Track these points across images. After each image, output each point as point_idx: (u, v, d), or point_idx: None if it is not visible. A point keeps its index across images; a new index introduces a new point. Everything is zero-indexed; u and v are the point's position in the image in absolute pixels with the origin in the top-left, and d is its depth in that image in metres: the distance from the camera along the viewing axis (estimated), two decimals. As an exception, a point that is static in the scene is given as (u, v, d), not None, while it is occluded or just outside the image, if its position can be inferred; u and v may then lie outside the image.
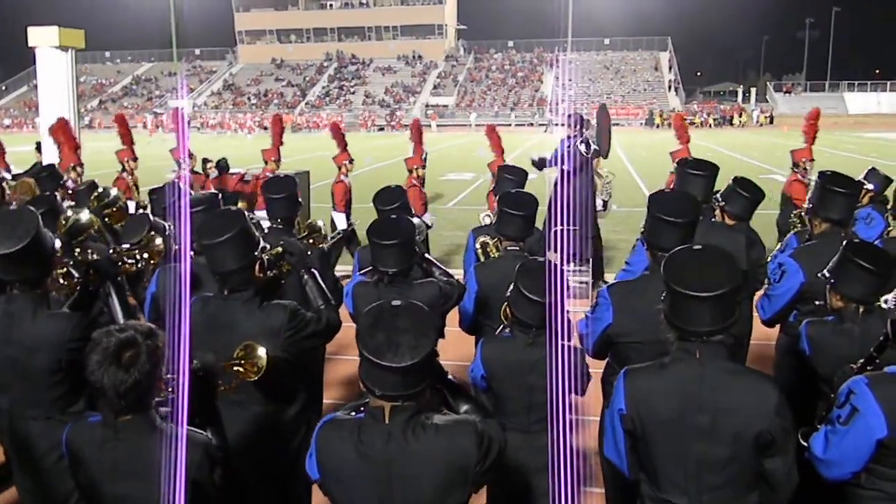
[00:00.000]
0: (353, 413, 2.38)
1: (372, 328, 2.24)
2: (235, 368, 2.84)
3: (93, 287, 3.64)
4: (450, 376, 2.58)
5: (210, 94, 72.54)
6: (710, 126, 58.43)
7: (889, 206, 5.61)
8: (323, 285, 3.59)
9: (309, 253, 4.00)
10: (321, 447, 2.35)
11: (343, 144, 9.26)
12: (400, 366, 2.18)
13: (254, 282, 3.24)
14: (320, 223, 4.78)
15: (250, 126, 56.98)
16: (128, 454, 2.38)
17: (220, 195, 4.60)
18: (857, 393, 2.59)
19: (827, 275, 3.37)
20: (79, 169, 8.63)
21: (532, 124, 58.08)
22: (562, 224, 8.81)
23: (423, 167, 9.15)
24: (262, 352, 2.85)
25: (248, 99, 70.13)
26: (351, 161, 9.31)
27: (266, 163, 9.64)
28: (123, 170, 9.15)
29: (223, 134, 55.63)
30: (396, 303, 2.32)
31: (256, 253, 3.24)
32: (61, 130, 8.90)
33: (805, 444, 2.76)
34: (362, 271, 4.16)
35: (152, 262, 4.01)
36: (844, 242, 3.40)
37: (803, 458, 2.71)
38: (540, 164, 9.36)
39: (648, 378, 2.59)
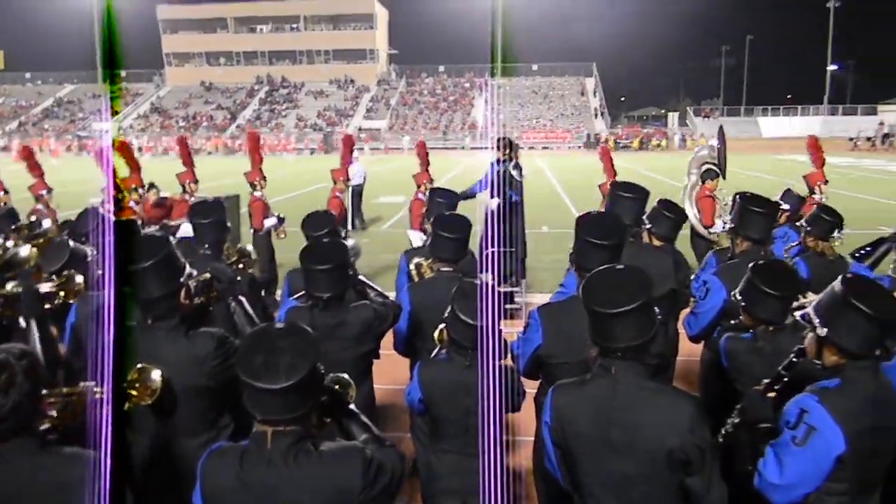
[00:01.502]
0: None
1: (251, 350, 2.21)
2: (129, 391, 2.79)
3: (6, 322, 3.47)
4: (351, 406, 2.55)
5: (136, 116, 70.86)
6: (635, 149, 60.04)
7: (800, 223, 5.80)
8: (252, 313, 3.51)
9: (238, 279, 3.90)
10: (205, 477, 2.29)
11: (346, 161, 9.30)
12: (277, 387, 2.14)
13: (179, 309, 3.14)
14: (249, 248, 4.69)
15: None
16: (11, 478, 2.23)
17: (137, 221, 4.46)
18: (811, 411, 2.58)
19: (738, 296, 3.46)
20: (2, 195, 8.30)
21: (464, 147, 58.62)
22: (495, 246, 8.89)
23: (431, 182, 9.11)
24: (156, 374, 2.80)
25: (177, 122, 68.75)
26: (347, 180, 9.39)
27: (183, 187, 9.39)
28: (37, 201, 8.80)
29: (155, 156, 54.28)
30: (279, 325, 2.30)
31: (182, 279, 3.15)
32: None
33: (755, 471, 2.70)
34: (295, 296, 4.10)
35: (70, 300, 3.83)
36: (751, 265, 3.49)
37: (748, 487, 2.69)
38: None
39: (570, 393, 2.62)
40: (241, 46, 77.48)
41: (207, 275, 3.46)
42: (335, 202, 9.06)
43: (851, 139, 56.42)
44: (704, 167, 9.53)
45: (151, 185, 9.84)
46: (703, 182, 9.25)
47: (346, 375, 2.63)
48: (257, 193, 9.25)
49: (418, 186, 9.13)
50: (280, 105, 72.29)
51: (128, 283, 3.13)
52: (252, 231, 9.07)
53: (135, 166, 9.10)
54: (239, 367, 2.20)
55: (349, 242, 4.83)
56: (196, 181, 9.38)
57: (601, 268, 2.71)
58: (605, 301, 2.51)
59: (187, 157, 9.62)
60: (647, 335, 2.52)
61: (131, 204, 9.18)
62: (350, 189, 16.50)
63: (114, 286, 3.11)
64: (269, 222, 8.96)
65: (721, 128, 10.23)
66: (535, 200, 16.75)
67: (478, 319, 3.32)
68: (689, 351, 5.06)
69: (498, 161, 9.19)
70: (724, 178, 9.49)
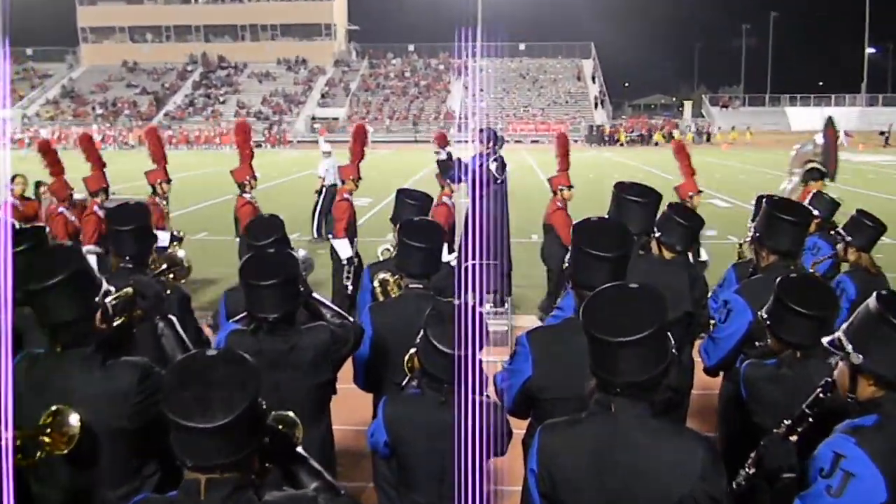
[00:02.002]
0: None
1: (179, 383, 2.20)
2: (42, 438, 2.76)
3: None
4: (299, 449, 2.55)
5: (44, 102, 70.21)
6: (638, 143, 60.58)
7: (835, 232, 5.85)
8: (184, 336, 3.49)
9: (167, 293, 3.86)
10: None
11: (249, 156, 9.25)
12: (211, 426, 2.12)
13: (95, 334, 3.10)
14: (181, 254, 4.63)
15: (98, 142, 55.53)
16: None
17: (45, 228, 4.42)
18: (847, 455, 2.58)
19: (764, 315, 3.49)
20: None
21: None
22: (475, 257, 8.89)
23: (358, 179, 9.17)
24: (74, 419, 2.77)
25: (93, 109, 68.26)
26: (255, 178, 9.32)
27: (153, 188, 9.40)
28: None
29: (65, 149, 53.83)
30: (211, 352, 2.30)
31: (98, 298, 3.11)
32: None
33: None
34: (235, 318, 4.07)
35: None
36: (779, 279, 3.53)
37: None
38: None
39: (561, 434, 2.63)
40: (172, 19, 77.19)
41: (129, 290, 3.42)
42: (343, 205, 9.02)
43: (882, 133, 57.28)
44: (808, 166, 9.40)
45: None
46: (806, 184, 9.15)
47: (291, 413, 2.62)
48: (246, 195, 9.26)
49: (343, 183, 9.20)
50: (217, 89, 72.08)
51: (31, 304, 3.09)
52: (238, 241, 9.03)
53: (97, 163, 9.09)
54: (165, 404, 2.18)
55: (300, 254, 4.81)
56: (169, 180, 9.35)
57: (606, 286, 2.72)
58: (609, 327, 2.50)
59: (158, 151, 9.54)
60: (658, 368, 2.52)
61: (61, 210, 9.16)
62: (323, 190, 16.59)
63: (12, 307, 3.07)
64: None
65: (830, 119, 10.04)
66: (522, 203, 16.76)
67: (455, 347, 3.31)
68: (706, 383, 5.10)
69: (480, 155, 9.23)
70: (832, 179, 9.43)
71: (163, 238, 8.80)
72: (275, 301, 3.74)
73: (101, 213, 8.94)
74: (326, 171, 16.80)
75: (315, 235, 16.18)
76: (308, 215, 16.42)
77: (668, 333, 2.58)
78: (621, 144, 59.53)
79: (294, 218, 9.07)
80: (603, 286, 2.73)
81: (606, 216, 4.80)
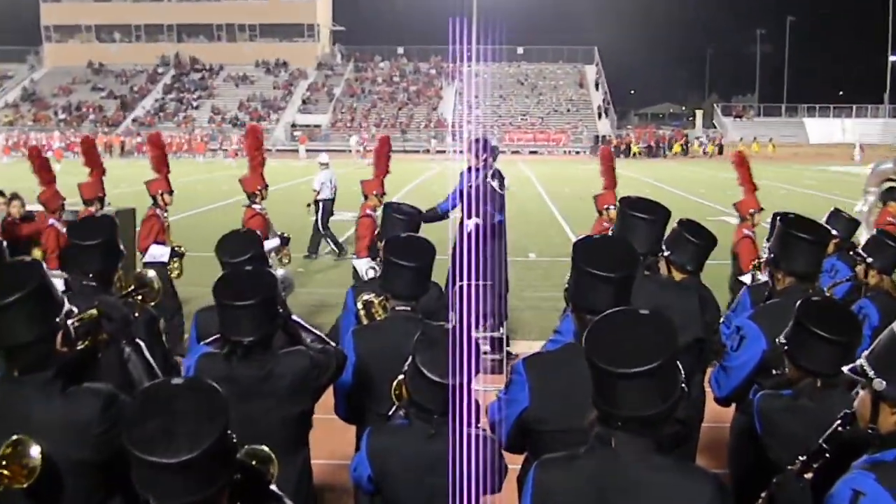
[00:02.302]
0: None
1: (142, 414, 2.20)
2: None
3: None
4: (273, 486, 2.54)
5: (2, 105, 70.19)
6: (643, 156, 60.92)
7: (854, 252, 5.86)
8: (152, 362, 3.49)
9: (135, 316, 3.86)
10: None
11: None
12: (176, 461, 2.12)
13: (56, 358, 3.08)
14: (151, 274, 4.62)
15: (58, 150, 55.36)
16: None
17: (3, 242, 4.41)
18: (868, 493, 2.57)
19: (783, 340, 3.51)
20: None
21: (429, 150, 58.97)
22: (469, 278, 8.89)
23: (383, 194, 9.18)
24: (35, 451, 2.76)
25: (55, 113, 68.30)
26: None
27: (154, 199, 9.20)
28: None
29: (18, 158, 53.69)
30: (177, 381, 2.30)
31: (59, 319, 3.10)
32: None
33: None
34: (206, 341, 4.07)
35: None
36: (799, 301, 3.55)
37: None
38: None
39: (557, 470, 2.62)
40: (143, 18, 77.43)
41: (94, 311, 3.41)
42: (366, 222, 9.01)
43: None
44: (886, 185, 9.35)
45: (14, 196, 9.74)
46: (885, 204, 9.13)
47: (264, 447, 2.62)
48: (256, 206, 9.25)
49: (366, 198, 9.14)
50: (191, 93, 72.25)
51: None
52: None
53: (97, 169, 9.10)
54: (126, 437, 2.18)
55: (279, 273, 4.81)
56: (171, 191, 9.32)
57: (613, 311, 2.72)
58: (613, 356, 2.49)
59: (161, 159, 9.47)
60: (666, 404, 2.51)
61: (52, 222, 9.12)
62: (320, 206, 16.59)
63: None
64: (270, 244, 8.86)
65: None
66: (519, 219, 16.82)
67: (448, 376, 3.31)
68: (717, 415, 5.10)
69: (470, 169, 9.23)
70: None
71: (162, 253, 8.79)
72: (251, 323, 3.73)
73: (60, 227, 8.91)
74: (322, 184, 16.82)
75: (309, 252, 16.20)
76: (292, 229, 16.40)
77: (678, 364, 2.57)
78: (634, 156, 59.73)
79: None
80: (609, 310, 2.73)
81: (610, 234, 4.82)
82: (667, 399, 2.50)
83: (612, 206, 9.30)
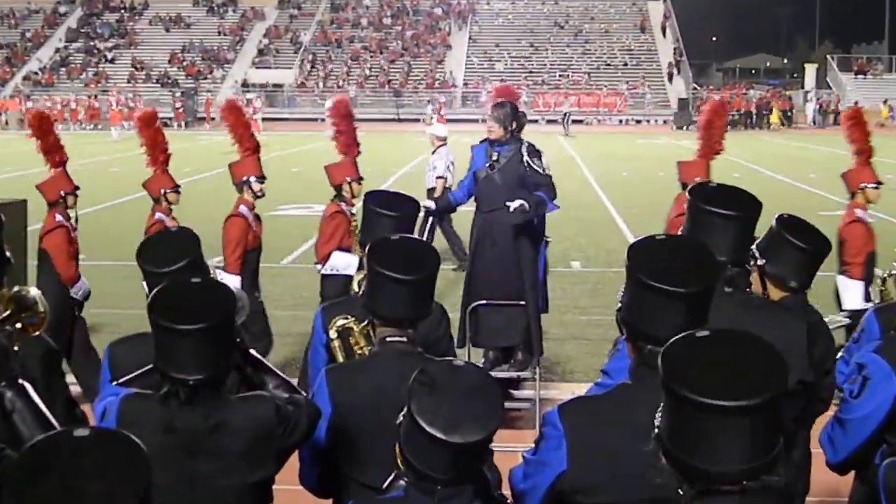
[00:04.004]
0: None
1: (31, 478, 2.23)
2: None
3: None
4: None
5: None
6: (736, 127, 60.86)
7: None
8: (42, 408, 3.52)
9: (15, 350, 3.87)
10: None
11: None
12: None
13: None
14: (34, 293, 4.60)
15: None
16: None
17: None
18: None
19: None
20: None
21: (432, 119, 58.96)
22: (490, 295, 8.89)
23: (359, 180, 9.37)
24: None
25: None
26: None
27: (156, 200, 9.50)
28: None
29: None
30: (81, 431, 2.33)
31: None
32: None
33: None
34: (125, 378, 4.09)
35: None
36: None
37: None
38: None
39: None
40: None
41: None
42: (335, 221, 9.18)
43: None
44: None
45: None
46: None
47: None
48: (248, 200, 9.36)
49: (337, 190, 9.23)
50: (104, 41, 72.37)
51: None
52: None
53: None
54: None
55: (235, 288, 4.81)
56: (176, 188, 9.59)
57: (685, 334, 2.73)
58: (710, 386, 2.48)
59: (160, 146, 9.69)
60: (767, 456, 2.52)
61: (59, 217, 9.25)
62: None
63: None
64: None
65: None
66: (557, 215, 16.76)
67: (455, 431, 3.32)
68: (828, 486, 5.12)
69: (492, 143, 9.24)
70: None
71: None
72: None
73: None
74: (447, 167, 16.01)
75: (460, 262, 16.05)
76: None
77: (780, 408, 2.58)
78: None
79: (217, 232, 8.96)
80: (683, 335, 2.74)
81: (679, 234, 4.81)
82: (767, 450, 2.51)
83: (869, 185, 9.13)
